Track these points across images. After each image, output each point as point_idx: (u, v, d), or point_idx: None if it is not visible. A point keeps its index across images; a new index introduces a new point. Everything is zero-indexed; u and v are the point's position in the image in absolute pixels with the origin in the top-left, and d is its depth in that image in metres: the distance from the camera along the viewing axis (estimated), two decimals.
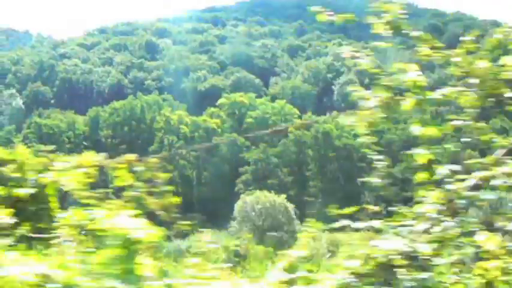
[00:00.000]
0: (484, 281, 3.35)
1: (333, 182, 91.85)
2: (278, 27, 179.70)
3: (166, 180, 3.75)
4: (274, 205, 68.80)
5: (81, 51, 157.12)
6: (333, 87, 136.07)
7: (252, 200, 70.02)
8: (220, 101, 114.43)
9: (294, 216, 69.12)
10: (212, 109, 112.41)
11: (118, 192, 3.77)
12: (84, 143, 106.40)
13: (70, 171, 3.74)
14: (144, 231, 2.99)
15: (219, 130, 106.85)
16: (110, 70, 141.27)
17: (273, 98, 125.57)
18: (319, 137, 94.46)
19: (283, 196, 69.93)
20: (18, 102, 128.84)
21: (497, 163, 3.51)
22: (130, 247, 2.93)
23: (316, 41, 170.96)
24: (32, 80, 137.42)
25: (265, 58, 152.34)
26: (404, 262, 3.23)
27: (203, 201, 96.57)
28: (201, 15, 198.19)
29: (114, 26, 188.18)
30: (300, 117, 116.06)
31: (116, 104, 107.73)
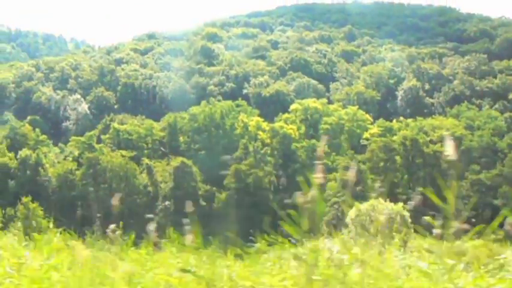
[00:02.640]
0: None
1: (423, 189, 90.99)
2: (328, 33, 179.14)
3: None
4: (391, 213, 68.10)
5: (137, 56, 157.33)
6: (396, 92, 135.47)
7: (367, 208, 69.33)
8: (293, 106, 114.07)
9: (411, 225, 68.38)
10: (286, 115, 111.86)
11: None
12: (162, 148, 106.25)
13: None
14: None
15: (295, 136, 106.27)
16: (170, 75, 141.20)
17: (331, 103, 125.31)
18: (406, 143, 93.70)
19: (400, 204, 69.15)
20: (84, 107, 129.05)
21: None
22: None
23: (367, 46, 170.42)
24: (94, 86, 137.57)
25: (321, 63, 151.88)
26: None
27: (285, 208, 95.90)
28: (248, 20, 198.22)
29: (163, 31, 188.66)
30: (372, 123, 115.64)
31: (194, 109, 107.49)
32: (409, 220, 71.51)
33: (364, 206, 71.97)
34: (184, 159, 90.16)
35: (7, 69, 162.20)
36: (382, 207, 70.14)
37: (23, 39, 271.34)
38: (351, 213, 72.88)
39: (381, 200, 71.69)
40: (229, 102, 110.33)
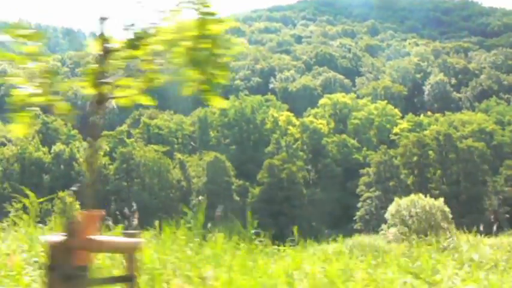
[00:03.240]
0: None
1: (456, 185, 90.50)
2: (351, 27, 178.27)
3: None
4: (432, 208, 67.77)
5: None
6: (423, 87, 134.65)
7: (407, 203, 69.02)
8: (322, 101, 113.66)
9: (452, 220, 68.02)
10: (315, 109, 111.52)
11: None
12: (192, 143, 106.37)
13: None
14: None
15: (325, 131, 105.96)
16: None
17: (361, 98, 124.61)
18: (440, 138, 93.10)
19: (441, 199, 68.78)
20: (111, 101, 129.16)
21: None
22: None
23: (391, 41, 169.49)
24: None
25: (346, 58, 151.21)
26: None
27: (316, 202, 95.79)
28: (269, 14, 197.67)
29: None
30: (401, 118, 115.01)
31: (225, 104, 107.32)
32: (450, 216, 71.29)
33: (404, 201, 71.71)
34: (218, 154, 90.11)
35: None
36: (422, 203, 69.89)
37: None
38: (391, 209, 72.55)
39: (421, 195, 71.42)
40: (258, 97, 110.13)
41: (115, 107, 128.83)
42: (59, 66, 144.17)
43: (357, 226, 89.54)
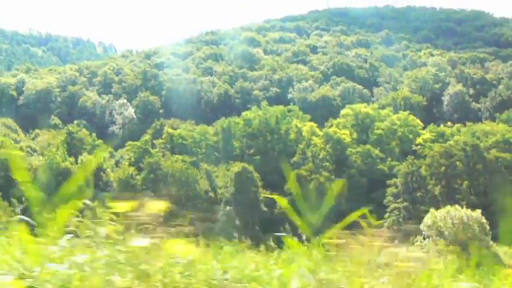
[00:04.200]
0: None
1: (484, 195, 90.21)
2: (365, 37, 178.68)
3: None
4: (469, 220, 67.52)
5: (177, 60, 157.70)
6: (442, 98, 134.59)
7: (444, 215, 68.78)
8: (344, 111, 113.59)
9: (490, 232, 67.72)
10: (338, 120, 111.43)
11: None
12: (216, 153, 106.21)
13: None
14: None
15: (348, 141, 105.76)
16: (214, 80, 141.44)
17: (382, 109, 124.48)
18: (467, 149, 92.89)
19: (478, 211, 68.57)
20: (131, 111, 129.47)
21: None
22: None
23: (406, 51, 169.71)
24: (138, 90, 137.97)
25: (363, 68, 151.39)
26: None
27: (341, 213, 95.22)
28: (283, 24, 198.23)
29: (199, 36, 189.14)
30: (422, 128, 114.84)
31: (249, 114, 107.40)
32: (488, 227, 70.75)
33: (440, 213, 71.20)
34: (245, 164, 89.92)
35: (46, 73, 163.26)
36: (459, 214, 69.37)
37: (53, 43, 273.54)
38: (427, 220, 71.97)
39: (457, 206, 70.99)
40: (281, 107, 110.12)
41: (134, 117, 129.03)
42: (77, 76, 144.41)
43: None
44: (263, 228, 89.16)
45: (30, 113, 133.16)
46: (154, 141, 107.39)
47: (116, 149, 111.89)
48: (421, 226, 73.29)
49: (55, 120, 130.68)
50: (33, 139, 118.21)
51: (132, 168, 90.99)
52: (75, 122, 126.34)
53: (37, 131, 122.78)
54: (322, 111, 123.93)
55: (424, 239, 73.60)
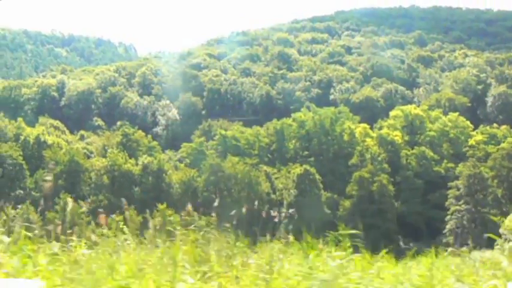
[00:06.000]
0: None
1: None
2: (398, 38, 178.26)
3: None
4: None
5: (213, 61, 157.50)
6: (486, 99, 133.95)
7: None
8: (393, 112, 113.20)
9: None
10: (388, 121, 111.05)
11: None
12: (269, 155, 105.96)
13: None
14: None
15: (400, 143, 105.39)
16: (253, 81, 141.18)
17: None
18: None
19: None
20: (174, 113, 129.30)
21: None
22: None
23: (441, 51, 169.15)
24: (179, 91, 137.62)
25: (401, 69, 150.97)
26: None
27: (400, 215, 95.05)
28: (312, 25, 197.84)
29: (231, 36, 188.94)
30: (472, 130, 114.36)
31: (302, 116, 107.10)
32: None
33: None
34: (307, 167, 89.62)
35: (80, 73, 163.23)
36: None
37: (76, 43, 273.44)
38: (508, 223, 71.87)
39: None
40: (332, 109, 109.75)
41: (178, 118, 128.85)
42: (116, 77, 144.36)
43: (447, 240, 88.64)
44: (325, 231, 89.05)
45: (72, 114, 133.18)
46: (209, 143, 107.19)
47: (162, 151, 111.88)
48: (500, 230, 73.15)
49: (98, 121, 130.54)
50: (79, 140, 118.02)
51: (193, 171, 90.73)
52: (118, 123, 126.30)
53: (82, 132, 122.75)
54: (366, 113, 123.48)
55: (508, 242, 73.40)
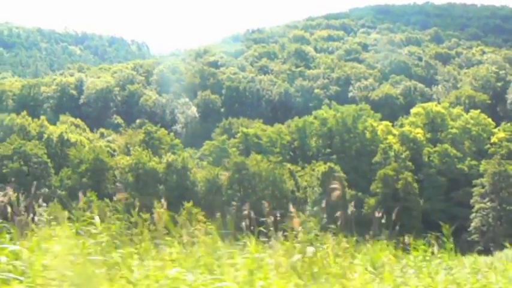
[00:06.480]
0: None
1: None
2: (414, 35, 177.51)
3: None
4: None
5: (231, 59, 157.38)
6: (506, 96, 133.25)
7: None
8: (415, 109, 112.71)
9: None
10: (410, 118, 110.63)
11: None
12: (291, 153, 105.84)
13: None
14: None
15: (422, 141, 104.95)
16: (271, 78, 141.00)
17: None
18: None
19: None
20: (193, 110, 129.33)
21: None
22: None
23: (457, 48, 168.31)
24: (197, 89, 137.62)
25: (419, 66, 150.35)
26: None
27: (424, 213, 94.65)
28: (327, 22, 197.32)
29: (246, 34, 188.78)
30: (494, 127, 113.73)
31: (322, 113, 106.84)
32: None
33: None
34: (332, 164, 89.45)
35: (97, 71, 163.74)
36: None
37: (89, 41, 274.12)
38: None
39: None
40: (353, 106, 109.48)
41: (197, 115, 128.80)
42: (134, 75, 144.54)
43: (473, 237, 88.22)
44: (352, 228, 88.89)
45: (91, 112, 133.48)
46: (230, 141, 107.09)
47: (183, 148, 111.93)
48: None
49: (117, 119, 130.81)
50: (99, 138, 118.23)
51: (217, 168, 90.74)
52: (137, 121, 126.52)
53: (102, 130, 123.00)
54: (385, 110, 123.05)
55: None
